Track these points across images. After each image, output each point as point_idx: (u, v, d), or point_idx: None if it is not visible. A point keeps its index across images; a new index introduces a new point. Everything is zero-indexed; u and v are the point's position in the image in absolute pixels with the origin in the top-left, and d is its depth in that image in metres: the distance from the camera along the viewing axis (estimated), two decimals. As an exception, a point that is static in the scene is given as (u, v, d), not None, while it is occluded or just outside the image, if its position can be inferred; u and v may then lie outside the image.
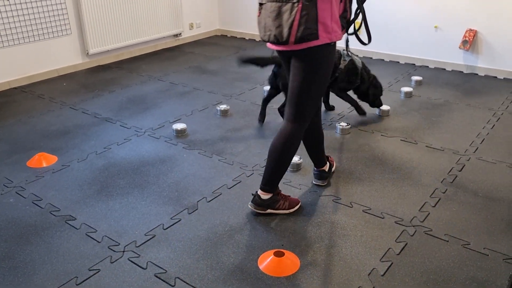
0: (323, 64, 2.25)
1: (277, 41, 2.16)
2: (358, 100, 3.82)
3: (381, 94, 3.77)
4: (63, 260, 2.21)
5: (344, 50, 3.39)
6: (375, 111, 3.91)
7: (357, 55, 3.71)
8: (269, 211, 2.50)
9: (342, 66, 3.53)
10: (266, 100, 3.70)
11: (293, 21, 2.07)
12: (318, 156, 2.73)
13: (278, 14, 2.12)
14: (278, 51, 2.33)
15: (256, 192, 2.50)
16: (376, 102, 3.79)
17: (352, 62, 3.57)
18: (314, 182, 2.84)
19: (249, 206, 2.53)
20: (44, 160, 3.14)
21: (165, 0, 5.88)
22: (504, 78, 4.75)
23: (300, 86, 2.28)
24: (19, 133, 3.62)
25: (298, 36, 2.09)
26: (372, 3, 5.30)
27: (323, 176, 2.81)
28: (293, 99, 2.33)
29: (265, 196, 2.47)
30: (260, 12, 2.29)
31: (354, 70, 3.58)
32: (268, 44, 2.30)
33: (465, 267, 2.14)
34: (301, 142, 2.53)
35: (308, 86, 2.28)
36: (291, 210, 2.54)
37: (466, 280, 2.06)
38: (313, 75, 2.26)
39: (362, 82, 3.66)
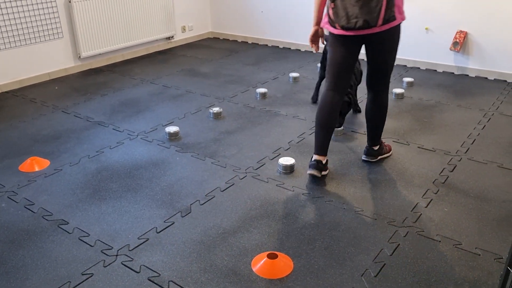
0: (398, 40, 2.73)
1: (367, 25, 2.52)
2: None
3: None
4: (56, 264, 2.20)
5: None
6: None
7: None
8: (379, 157, 3.15)
9: None
10: (320, 81, 4.03)
11: (381, 7, 2.48)
12: (374, 132, 3.07)
13: (365, 3, 2.47)
14: (350, 36, 2.66)
15: (367, 147, 3.12)
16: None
17: (358, 63, 3.84)
18: (363, 158, 3.16)
19: (363, 158, 3.15)
20: (36, 164, 3.13)
21: (157, 3, 5.89)
22: (494, 79, 4.79)
23: (386, 61, 2.79)
24: (11, 137, 3.60)
25: (386, 19, 2.53)
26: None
27: (372, 153, 3.14)
28: (381, 72, 2.84)
29: (375, 147, 3.12)
30: (334, 4, 2.57)
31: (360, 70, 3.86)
32: (343, 31, 2.61)
33: (457, 267, 2.15)
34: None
35: (391, 59, 2.80)
36: (390, 153, 3.24)
37: (458, 280, 2.08)
38: (393, 50, 2.76)
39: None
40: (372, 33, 2.59)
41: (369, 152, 3.13)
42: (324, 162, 2.89)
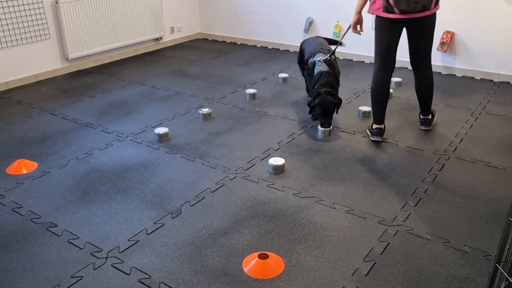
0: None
1: (423, 8, 3.00)
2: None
3: (325, 114, 3.53)
4: (45, 268, 2.18)
5: (321, 50, 3.80)
6: (358, 112, 3.95)
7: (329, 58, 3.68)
8: (432, 124, 3.65)
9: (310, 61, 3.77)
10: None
11: None
12: (428, 104, 3.53)
13: None
14: (402, 20, 3.10)
15: (423, 118, 3.60)
16: (320, 120, 3.59)
17: (312, 64, 3.65)
18: (422, 128, 3.61)
19: (422, 128, 3.61)
20: (23, 166, 3.09)
21: (146, 4, 5.86)
22: (481, 79, 4.84)
23: (430, 41, 3.27)
24: (-2, 139, 3.56)
25: (436, 3, 3.07)
26: (348, 3, 5.36)
27: (429, 122, 3.61)
28: (426, 51, 3.31)
29: (429, 116, 3.59)
30: None
31: (311, 71, 3.67)
32: (401, 15, 3.03)
33: (446, 265, 2.17)
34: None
35: (432, 39, 3.28)
36: (436, 117, 3.75)
37: (447, 277, 2.10)
38: (433, 31, 3.25)
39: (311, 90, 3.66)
40: (424, 16, 3.06)
41: (426, 122, 3.60)
42: (383, 128, 3.43)
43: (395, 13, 3.03)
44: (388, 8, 3.03)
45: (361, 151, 3.30)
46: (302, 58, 4.04)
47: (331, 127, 3.58)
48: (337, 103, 3.55)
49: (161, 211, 2.61)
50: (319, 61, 3.61)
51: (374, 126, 3.43)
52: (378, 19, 3.18)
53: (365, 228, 2.45)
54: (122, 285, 2.07)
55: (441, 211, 2.59)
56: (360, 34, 3.39)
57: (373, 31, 3.28)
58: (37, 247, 2.32)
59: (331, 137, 3.52)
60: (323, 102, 3.46)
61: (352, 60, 5.56)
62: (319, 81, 3.52)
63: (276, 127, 3.71)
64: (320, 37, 4.22)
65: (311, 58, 3.73)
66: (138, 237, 2.39)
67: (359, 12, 3.27)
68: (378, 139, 3.41)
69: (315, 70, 3.61)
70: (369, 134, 3.48)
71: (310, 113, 3.63)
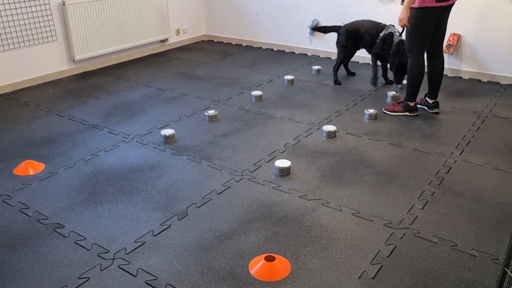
0: None
1: None
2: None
3: (404, 72, 4.37)
4: (52, 268, 2.19)
5: (391, 25, 4.48)
6: (363, 114, 3.94)
7: (399, 34, 4.38)
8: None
9: (381, 34, 4.45)
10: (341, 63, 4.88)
11: None
12: (439, 87, 3.94)
13: None
14: (441, 7, 3.54)
15: (433, 102, 3.99)
16: (397, 77, 4.51)
17: (391, 35, 4.38)
18: (432, 111, 4.00)
19: (433, 111, 3.99)
20: (31, 167, 3.11)
21: (152, 6, 5.88)
22: (487, 81, 4.82)
23: (446, 28, 3.76)
24: (5, 141, 3.58)
25: None
26: (355, 7, 5.35)
27: (438, 105, 4.01)
28: (444, 36, 3.80)
29: (435, 101, 4.01)
30: None
31: (389, 40, 4.39)
32: (443, 3, 3.49)
33: (453, 268, 2.16)
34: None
35: None
36: None
37: (455, 281, 2.09)
38: None
39: (392, 54, 4.39)
40: (452, 3, 3.59)
41: (436, 104, 3.99)
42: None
43: (439, 2, 3.47)
44: None
45: (367, 153, 3.29)
46: (354, 39, 4.67)
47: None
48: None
49: (168, 213, 2.61)
50: (395, 32, 4.40)
51: (431, 101, 4.00)
52: (425, 10, 3.51)
53: (372, 230, 2.44)
54: (128, 286, 2.07)
55: (448, 214, 2.58)
56: (407, 26, 3.65)
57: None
58: (44, 248, 2.33)
59: (336, 139, 3.52)
60: (405, 63, 4.19)
61: (358, 62, 5.55)
62: (401, 46, 4.32)
63: (282, 129, 3.71)
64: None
65: (383, 32, 4.44)
66: (145, 239, 2.39)
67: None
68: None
69: (394, 39, 4.39)
70: (424, 107, 4.05)
71: (394, 73, 4.50)
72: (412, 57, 3.76)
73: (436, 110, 4.00)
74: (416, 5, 3.51)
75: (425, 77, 3.91)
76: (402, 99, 3.99)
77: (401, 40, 4.33)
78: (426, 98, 4.03)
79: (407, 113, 3.94)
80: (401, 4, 3.62)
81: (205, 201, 2.73)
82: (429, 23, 3.60)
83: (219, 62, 5.70)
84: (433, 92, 3.96)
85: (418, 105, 4.03)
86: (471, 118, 3.89)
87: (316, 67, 5.20)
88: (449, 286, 2.05)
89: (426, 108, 4.05)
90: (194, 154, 3.31)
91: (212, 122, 3.88)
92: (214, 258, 2.25)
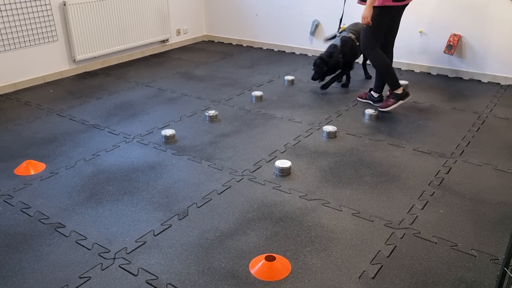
0: None
1: None
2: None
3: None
4: (53, 268, 2.19)
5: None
6: (364, 115, 3.95)
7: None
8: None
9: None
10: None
11: None
12: (381, 81, 4.13)
13: None
14: (399, 6, 3.78)
15: (375, 96, 4.17)
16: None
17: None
18: (376, 105, 4.13)
19: (378, 106, 4.11)
20: (32, 167, 3.11)
21: (152, 6, 5.89)
22: (488, 82, 4.83)
23: (399, 28, 3.98)
24: (6, 140, 3.58)
25: None
26: (358, 8, 5.36)
27: (382, 100, 4.12)
28: (395, 36, 4.02)
29: (380, 95, 4.19)
30: None
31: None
32: (402, 2, 3.71)
33: (453, 268, 2.17)
34: None
35: None
36: None
37: (454, 281, 2.09)
38: None
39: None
40: (407, 4, 3.79)
41: (381, 99, 4.13)
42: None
43: (400, 1, 3.67)
44: None
45: (368, 153, 3.30)
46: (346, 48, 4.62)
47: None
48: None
49: (168, 213, 2.62)
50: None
51: (376, 95, 4.15)
52: (383, 9, 3.68)
53: (372, 230, 2.45)
54: (129, 286, 2.08)
55: (448, 215, 2.58)
56: (371, 24, 3.76)
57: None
58: (45, 248, 2.34)
59: (337, 140, 3.52)
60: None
61: (358, 62, 5.55)
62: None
63: (282, 129, 3.72)
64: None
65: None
66: (145, 238, 2.40)
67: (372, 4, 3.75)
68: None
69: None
70: (399, 100, 4.01)
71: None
72: (370, 54, 3.93)
73: (380, 104, 4.11)
74: (376, 3, 3.67)
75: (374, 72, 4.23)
76: (389, 93, 4.05)
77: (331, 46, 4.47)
78: (372, 92, 4.18)
79: (401, 101, 3.99)
80: (358, 2, 3.87)
81: (206, 201, 2.73)
82: (386, 21, 3.79)
83: (219, 63, 5.71)
84: (380, 86, 4.14)
85: (362, 100, 4.27)
86: (471, 119, 3.89)
87: (317, 68, 5.20)
88: (448, 286, 2.06)
89: (371, 102, 4.19)
90: (194, 154, 3.32)
91: (213, 122, 3.88)
92: (215, 257, 2.25)
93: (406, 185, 2.88)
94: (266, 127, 3.76)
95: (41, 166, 3.16)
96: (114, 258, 2.25)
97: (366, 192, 2.82)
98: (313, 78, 4.57)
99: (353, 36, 4.46)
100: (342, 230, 2.46)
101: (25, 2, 4.62)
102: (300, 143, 3.47)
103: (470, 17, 4.74)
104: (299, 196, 2.77)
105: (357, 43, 4.39)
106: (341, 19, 4.52)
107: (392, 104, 3.99)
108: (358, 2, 3.89)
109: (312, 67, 4.55)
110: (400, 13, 3.88)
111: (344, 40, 4.42)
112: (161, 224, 2.51)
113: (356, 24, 4.67)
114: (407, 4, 3.81)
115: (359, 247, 2.32)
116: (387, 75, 3.94)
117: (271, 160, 3.21)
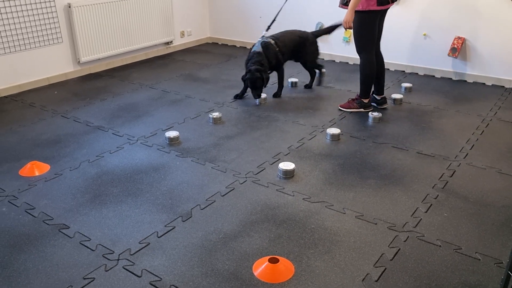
0: None
1: (393, 1, 3.75)
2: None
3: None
4: (57, 269, 2.20)
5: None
6: (368, 117, 3.95)
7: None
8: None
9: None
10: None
11: None
12: (384, 82, 4.16)
13: None
14: (383, 10, 3.82)
15: (378, 99, 4.17)
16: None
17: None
18: (382, 107, 4.16)
19: (382, 107, 4.18)
20: (36, 168, 3.13)
21: (156, 8, 5.91)
22: (492, 85, 4.82)
23: (382, 29, 4.00)
24: (11, 142, 3.60)
25: None
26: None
27: (385, 101, 4.20)
28: (380, 38, 4.01)
29: (383, 97, 4.19)
30: None
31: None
32: (387, 5, 3.74)
33: (457, 272, 2.16)
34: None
35: None
36: None
37: (458, 284, 2.09)
38: None
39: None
40: (388, 7, 3.79)
41: (384, 100, 4.18)
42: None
43: (385, 5, 3.70)
44: (381, 2, 3.67)
45: (371, 156, 3.30)
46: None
47: (264, 95, 4.35)
48: (263, 79, 4.22)
49: (172, 214, 2.62)
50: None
51: (379, 97, 4.16)
52: (369, 13, 3.71)
53: (376, 233, 2.45)
54: (133, 287, 2.08)
55: (452, 218, 2.58)
56: (351, 28, 3.82)
57: None
58: (49, 248, 2.35)
59: (340, 142, 3.52)
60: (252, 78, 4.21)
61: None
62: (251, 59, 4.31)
63: (286, 131, 3.72)
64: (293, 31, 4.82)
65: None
66: (149, 240, 2.40)
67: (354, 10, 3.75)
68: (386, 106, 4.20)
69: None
70: (372, 105, 4.14)
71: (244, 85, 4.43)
72: (363, 57, 3.93)
73: (384, 106, 4.17)
74: (360, 8, 3.68)
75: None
76: (356, 97, 4.13)
77: (256, 53, 4.33)
78: (374, 95, 4.19)
79: (362, 110, 4.09)
80: (339, 6, 3.86)
81: (209, 203, 2.74)
82: (374, 24, 3.81)
83: (223, 65, 5.72)
84: (379, 89, 4.14)
85: (345, 109, 4.20)
86: (475, 122, 3.89)
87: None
88: (452, 289, 2.06)
89: (375, 104, 4.20)
90: (198, 156, 3.33)
91: (216, 124, 3.89)
92: (218, 259, 2.25)
93: (410, 188, 2.88)
94: (269, 129, 3.76)
95: (45, 167, 3.17)
96: (118, 259, 2.26)
97: (369, 194, 2.81)
98: (258, 96, 4.28)
99: (272, 41, 4.41)
100: (346, 232, 2.45)
101: (30, 4, 4.64)
102: (303, 146, 3.47)
103: (474, 20, 4.74)
104: (303, 199, 2.77)
105: (277, 48, 4.40)
106: (270, 24, 4.69)
107: (354, 108, 4.11)
108: (339, 6, 3.86)
109: (249, 85, 4.27)
110: (383, 16, 3.91)
111: (265, 46, 4.34)
112: (165, 226, 2.52)
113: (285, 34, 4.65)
114: (388, 8, 3.84)
115: (363, 250, 2.31)
116: (366, 82, 3.99)
117: (274, 162, 3.21)
